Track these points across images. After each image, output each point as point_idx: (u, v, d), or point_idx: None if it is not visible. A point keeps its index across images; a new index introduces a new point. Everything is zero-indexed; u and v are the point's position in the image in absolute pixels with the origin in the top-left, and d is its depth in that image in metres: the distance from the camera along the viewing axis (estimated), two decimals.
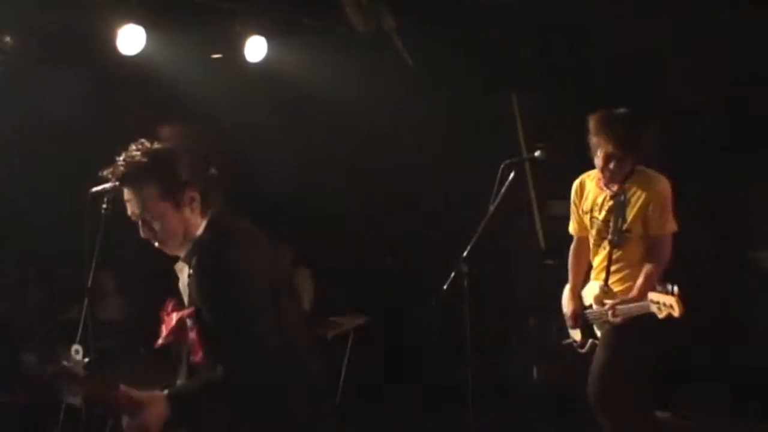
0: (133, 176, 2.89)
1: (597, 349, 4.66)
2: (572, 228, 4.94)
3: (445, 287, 4.82)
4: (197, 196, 2.93)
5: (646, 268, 4.51)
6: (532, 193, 7.09)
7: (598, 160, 4.60)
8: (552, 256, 6.19)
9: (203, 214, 2.95)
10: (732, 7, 6.27)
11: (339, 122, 7.33)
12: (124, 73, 6.08)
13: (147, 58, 5.72)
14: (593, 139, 4.59)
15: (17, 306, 6.26)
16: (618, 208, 4.57)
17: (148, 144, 2.92)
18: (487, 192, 4.89)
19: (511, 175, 4.84)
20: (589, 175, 4.82)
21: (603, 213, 4.66)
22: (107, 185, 3.34)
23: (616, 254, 4.61)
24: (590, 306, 4.76)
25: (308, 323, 3.44)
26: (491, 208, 4.85)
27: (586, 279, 4.86)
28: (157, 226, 2.91)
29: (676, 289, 4.13)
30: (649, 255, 4.56)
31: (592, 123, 4.60)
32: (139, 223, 2.94)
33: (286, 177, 7.57)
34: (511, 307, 7.07)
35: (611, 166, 4.54)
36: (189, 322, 2.87)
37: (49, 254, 6.13)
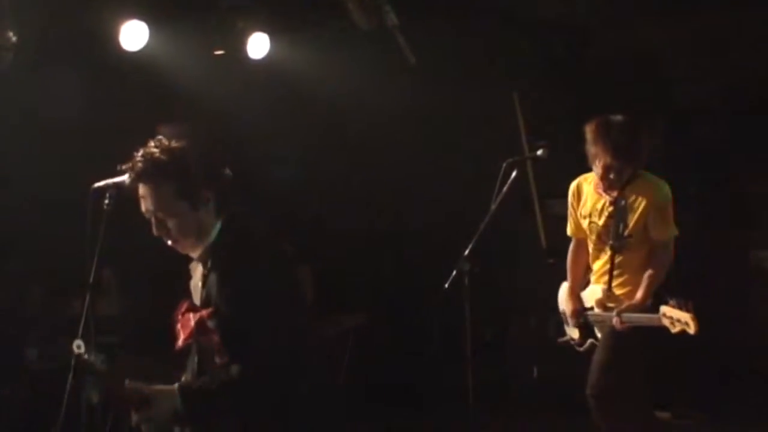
0: (150, 173, 2.86)
1: (597, 349, 4.63)
2: (570, 229, 4.88)
3: (446, 286, 4.79)
4: (213, 196, 2.91)
5: (649, 272, 4.47)
6: (534, 192, 7.09)
7: (597, 169, 4.53)
8: (553, 255, 6.18)
9: (218, 214, 2.93)
10: (732, 7, 6.28)
11: (341, 119, 7.33)
12: (127, 69, 6.07)
13: (150, 55, 5.72)
14: (591, 149, 4.51)
15: (19, 301, 6.26)
16: (618, 213, 4.51)
17: (166, 141, 2.89)
18: (489, 190, 4.88)
19: (514, 173, 4.82)
20: (586, 179, 4.73)
21: (603, 218, 4.59)
22: (109, 181, 3.30)
23: (617, 259, 4.56)
24: (591, 308, 4.70)
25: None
26: (493, 206, 4.82)
27: (585, 280, 4.83)
28: (171, 224, 2.88)
29: (691, 305, 4.02)
30: (651, 260, 4.52)
31: (589, 132, 4.51)
32: (152, 220, 2.90)
33: (287, 173, 7.57)
34: (512, 305, 7.07)
35: (611, 176, 4.48)
36: (210, 323, 2.83)
37: (51, 249, 6.13)
